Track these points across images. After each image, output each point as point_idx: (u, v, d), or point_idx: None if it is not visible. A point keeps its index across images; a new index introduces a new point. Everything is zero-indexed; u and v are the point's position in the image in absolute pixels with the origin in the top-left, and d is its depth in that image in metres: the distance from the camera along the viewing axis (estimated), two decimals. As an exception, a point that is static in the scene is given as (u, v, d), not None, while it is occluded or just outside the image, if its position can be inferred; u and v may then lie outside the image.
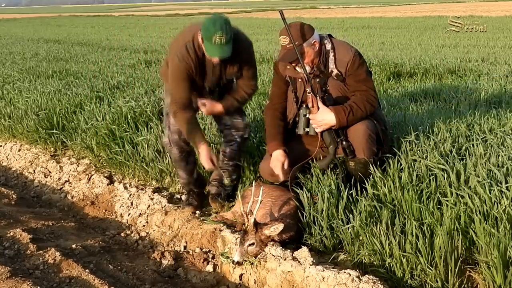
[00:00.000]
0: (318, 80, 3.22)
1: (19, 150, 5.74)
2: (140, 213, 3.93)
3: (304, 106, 3.24)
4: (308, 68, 3.19)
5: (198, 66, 3.37)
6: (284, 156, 3.28)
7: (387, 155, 3.23)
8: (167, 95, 3.60)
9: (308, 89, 3.16)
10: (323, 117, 3.10)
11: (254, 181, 3.32)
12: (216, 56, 3.25)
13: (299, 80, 3.29)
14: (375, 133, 3.15)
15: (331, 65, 3.21)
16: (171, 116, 3.48)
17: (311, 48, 3.16)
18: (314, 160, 3.34)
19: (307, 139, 3.36)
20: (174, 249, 3.46)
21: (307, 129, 3.23)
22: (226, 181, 3.61)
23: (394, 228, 2.69)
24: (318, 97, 3.14)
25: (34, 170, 5.21)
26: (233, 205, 3.58)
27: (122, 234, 3.74)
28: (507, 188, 2.67)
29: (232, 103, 3.54)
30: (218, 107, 3.52)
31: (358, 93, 3.16)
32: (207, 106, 3.50)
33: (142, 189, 4.18)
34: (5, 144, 6.00)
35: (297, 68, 3.23)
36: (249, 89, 3.56)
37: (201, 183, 3.84)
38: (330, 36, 3.31)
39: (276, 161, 3.29)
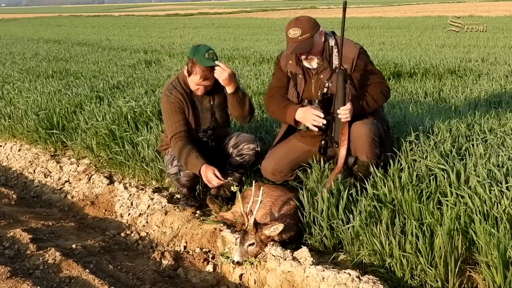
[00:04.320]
0: (321, 76, 3.23)
1: (19, 150, 5.74)
2: (140, 213, 3.93)
3: (306, 101, 3.24)
4: (316, 61, 3.22)
5: (188, 101, 3.51)
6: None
7: (388, 153, 3.23)
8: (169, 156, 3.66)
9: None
10: (348, 108, 3.09)
11: (254, 181, 3.31)
12: (210, 64, 3.36)
13: (300, 76, 3.30)
14: (378, 136, 3.16)
15: (335, 61, 3.21)
16: (172, 147, 3.50)
17: (319, 39, 3.20)
18: (315, 160, 3.34)
19: (307, 139, 3.36)
20: (174, 249, 3.46)
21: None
22: (234, 188, 3.62)
23: (394, 228, 2.69)
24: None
25: (34, 170, 5.21)
26: (231, 205, 3.58)
27: (122, 234, 3.73)
28: (507, 188, 2.67)
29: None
30: (227, 70, 3.37)
31: (372, 84, 3.23)
32: (222, 73, 3.36)
33: (142, 189, 4.18)
34: (5, 144, 6.00)
35: (305, 63, 3.23)
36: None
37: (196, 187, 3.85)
38: (333, 33, 3.32)
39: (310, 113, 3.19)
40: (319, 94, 3.24)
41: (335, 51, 3.22)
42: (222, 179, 3.29)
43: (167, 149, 3.70)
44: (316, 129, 3.19)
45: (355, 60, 3.19)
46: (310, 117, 3.17)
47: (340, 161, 3.13)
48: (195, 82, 3.44)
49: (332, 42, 3.24)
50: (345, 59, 3.17)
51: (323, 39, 3.23)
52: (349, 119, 3.12)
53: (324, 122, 3.14)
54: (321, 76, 3.24)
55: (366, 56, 3.27)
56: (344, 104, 3.10)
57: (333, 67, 3.21)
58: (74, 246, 3.37)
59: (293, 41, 3.13)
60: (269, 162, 3.45)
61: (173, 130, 3.47)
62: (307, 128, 3.22)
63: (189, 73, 3.44)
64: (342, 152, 3.13)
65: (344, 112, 3.09)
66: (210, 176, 3.28)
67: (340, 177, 3.12)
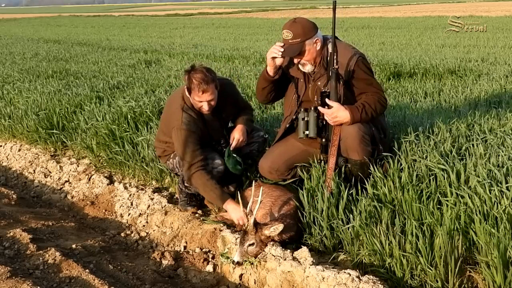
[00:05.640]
0: (319, 83, 3.24)
1: (19, 150, 5.74)
2: (140, 213, 3.93)
3: (302, 110, 3.25)
4: (310, 67, 3.21)
5: (202, 121, 3.51)
6: None
7: (387, 154, 3.23)
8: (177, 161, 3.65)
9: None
10: (337, 114, 3.09)
11: (254, 181, 3.31)
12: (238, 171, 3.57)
13: (301, 80, 3.31)
14: (368, 134, 3.16)
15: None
16: (188, 180, 3.48)
17: (313, 46, 3.17)
18: (315, 160, 3.34)
19: (306, 139, 3.36)
20: (174, 249, 3.46)
21: (306, 132, 3.24)
22: (232, 188, 3.65)
23: (394, 228, 2.69)
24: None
25: (34, 170, 5.21)
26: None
27: (122, 234, 3.73)
28: (507, 188, 2.67)
29: (244, 118, 3.68)
30: (240, 127, 3.62)
31: (369, 93, 3.19)
32: (239, 136, 3.59)
33: (142, 189, 4.18)
34: (5, 144, 6.00)
35: (300, 66, 3.24)
36: (250, 109, 3.82)
37: None
38: (335, 38, 3.30)
39: None
40: (315, 99, 3.25)
41: (334, 57, 3.20)
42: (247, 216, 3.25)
43: (170, 155, 3.69)
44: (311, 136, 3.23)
45: (353, 67, 3.17)
46: (270, 51, 3.19)
47: (332, 160, 3.14)
48: (197, 99, 3.40)
49: (331, 48, 3.22)
50: (341, 66, 3.16)
51: (318, 47, 3.19)
52: (336, 123, 3.12)
53: (282, 50, 3.14)
54: (318, 83, 3.25)
55: (365, 65, 3.24)
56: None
57: (330, 74, 3.20)
58: (74, 246, 3.37)
59: (284, 43, 3.16)
60: (266, 160, 3.47)
61: (191, 159, 3.39)
62: (307, 135, 3.24)
63: (189, 90, 3.41)
64: (333, 151, 3.14)
65: (327, 115, 3.11)
66: (239, 215, 3.15)
67: (341, 160, 3.17)
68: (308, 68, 3.23)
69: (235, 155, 3.57)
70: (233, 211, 3.21)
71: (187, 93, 3.45)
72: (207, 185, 3.35)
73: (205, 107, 3.42)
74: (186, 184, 3.66)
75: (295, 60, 3.23)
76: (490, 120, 3.99)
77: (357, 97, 3.22)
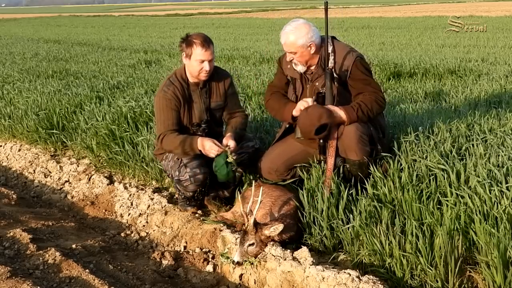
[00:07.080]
0: (317, 83, 3.25)
1: (19, 150, 5.74)
2: (140, 213, 3.92)
3: None
4: (301, 67, 3.24)
5: (185, 94, 3.49)
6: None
7: (386, 154, 3.23)
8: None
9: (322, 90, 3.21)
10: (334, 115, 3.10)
11: (254, 181, 3.31)
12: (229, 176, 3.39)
13: (298, 80, 3.33)
14: (366, 134, 3.16)
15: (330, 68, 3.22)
16: (159, 145, 3.53)
17: (307, 50, 3.19)
18: (315, 160, 3.34)
19: (305, 140, 3.36)
20: (174, 249, 3.46)
21: None
22: (227, 193, 3.65)
23: (394, 228, 2.69)
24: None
25: (34, 170, 5.21)
26: (230, 206, 3.59)
27: (122, 234, 3.73)
28: (507, 188, 2.67)
29: (234, 127, 3.57)
30: (230, 135, 3.46)
31: (367, 93, 3.19)
32: (234, 142, 3.44)
33: (142, 189, 4.18)
34: (5, 144, 6.00)
35: (293, 65, 3.26)
36: (242, 117, 3.67)
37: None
38: (333, 38, 3.31)
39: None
40: (313, 99, 3.26)
41: (331, 58, 3.21)
42: (221, 146, 3.31)
43: (164, 154, 3.67)
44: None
45: (350, 67, 3.18)
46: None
47: (330, 161, 3.14)
48: (198, 58, 3.36)
49: (329, 48, 3.22)
50: (339, 66, 3.18)
51: (312, 51, 3.20)
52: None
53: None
54: (316, 84, 3.26)
55: (363, 65, 3.24)
56: (332, 104, 3.14)
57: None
58: (74, 246, 3.37)
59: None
60: (265, 161, 3.47)
61: (165, 127, 3.46)
62: None
63: (189, 56, 3.40)
64: (332, 152, 3.15)
65: None
66: (209, 146, 3.30)
67: (339, 161, 3.17)
68: (299, 68, 3.26)
69: (232, 161, 3.32)
70: (205, 148, 3.30)
71: (185, 60, 3.44)
72: (176, 140, 3.40)
73: (206, 67, 3.39)
74: (179, 188, 3.66)
75: (288, 58, 3.26)
76: (490, 120, 4.00)
77: (354, 97, 3.23)
